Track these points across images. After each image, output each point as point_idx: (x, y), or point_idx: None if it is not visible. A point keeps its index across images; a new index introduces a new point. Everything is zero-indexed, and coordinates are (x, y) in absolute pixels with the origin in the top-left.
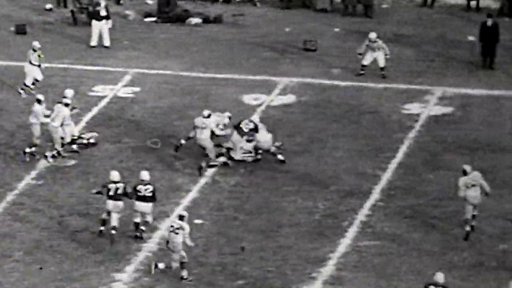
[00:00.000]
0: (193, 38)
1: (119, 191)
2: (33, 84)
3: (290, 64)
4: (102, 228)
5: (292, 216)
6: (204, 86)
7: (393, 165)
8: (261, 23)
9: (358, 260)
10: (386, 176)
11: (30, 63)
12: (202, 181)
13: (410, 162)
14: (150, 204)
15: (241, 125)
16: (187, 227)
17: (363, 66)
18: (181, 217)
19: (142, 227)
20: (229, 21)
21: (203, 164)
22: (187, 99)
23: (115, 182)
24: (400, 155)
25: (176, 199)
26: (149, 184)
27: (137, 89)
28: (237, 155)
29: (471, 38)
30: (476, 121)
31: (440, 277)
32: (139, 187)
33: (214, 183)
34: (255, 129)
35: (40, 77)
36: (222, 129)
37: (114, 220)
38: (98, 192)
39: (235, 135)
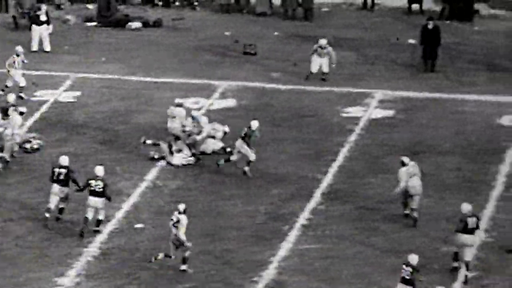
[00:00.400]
0: (133, 43)
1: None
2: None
3: (230, 68)
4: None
5: (234, 219)
6: (145, 90)
7: (334, 168)
8: (201, 27)
9: (299, 263)
10: (327, 180)
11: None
12: (143, 185)
13: (351, 166)
14: (101, 199)
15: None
16: (184, 221)
17: (311, 73)
18: (180, 211)
19: (97, 228)
20: (169, 25)
21: (221, 162)
22: (128, 103)
23: (96, 178)
24: (341, 159)
25: (117, 203)
26: (101, 180)
27: (78, 93)
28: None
29: (411, 41)
30: (417, 124)
31: (413, 258)
32: (91, 181)
33: (155, 187)
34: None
35: (23, 83)
36: (194, 126)
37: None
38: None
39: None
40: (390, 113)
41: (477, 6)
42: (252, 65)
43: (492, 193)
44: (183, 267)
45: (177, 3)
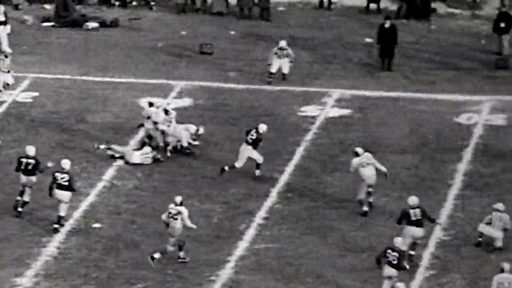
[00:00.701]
0: (91, 43)
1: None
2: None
3: (187, 68)
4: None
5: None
6: (102, 90)
7: (290, 167)
8: (158, 27)
9: (256, 262)
10: (283, 179)
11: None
12: (100, 184)
13: (308, 165)
14: (66, 193)
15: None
16: (185, 211)
17: (271, 73)
18: (178, 203)
19: (56, 225)
20: (126, 25)
21: (226, 167)
22: (85, 103)
23: (62, 171)
24: (297, 158)
25: (74, 203)
26: (66, 173)
27: (35, 93)
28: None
29: (368, 40)
30: (374, 123)
31: (398, 241)
32: (57, 174)
33: (112, 187)
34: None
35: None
36: (168, 126)
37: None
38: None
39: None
40: (346, 112)
41: (434, 4)
42: (208, 64)
43: (450, 192)
44: (181, 253)
45: (134, 3)
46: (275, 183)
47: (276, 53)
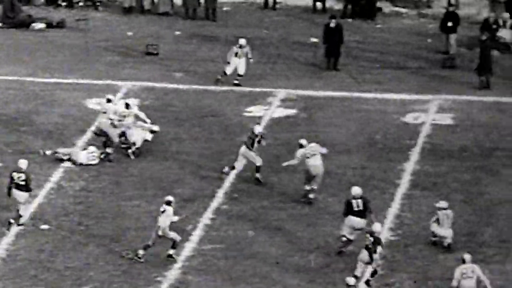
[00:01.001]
0: (37, 43)
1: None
2: None
3: (133, 68)
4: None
5: (137, 220)
6: (49, 91)
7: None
8: (104, 27)
9: (203, 263)
10: (229, 179)
11: None
12: (48, 186)
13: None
14: (23, 193)
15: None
16: (170, 210)
17: (224, 73)
18: (167, 202)
19: (11, 219)
20: (73, 26)
21: (226, 168)
22: (32, 105)
23: (19, 171)
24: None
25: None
26: (23, 172)
27: None
28: None
29: (314, 39)
30: (320, 123)
31: (377, 227)
32: (14, 174)
33: (59, 188)
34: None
35: None
36: (120, 120)
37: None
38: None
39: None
40: (292, 112)
41: (379, 4)
42: (154, 65)
43: (397, 192)
44: (171, 251)
45: (80, 4)
46: (221, 184)
47: (236, 52)
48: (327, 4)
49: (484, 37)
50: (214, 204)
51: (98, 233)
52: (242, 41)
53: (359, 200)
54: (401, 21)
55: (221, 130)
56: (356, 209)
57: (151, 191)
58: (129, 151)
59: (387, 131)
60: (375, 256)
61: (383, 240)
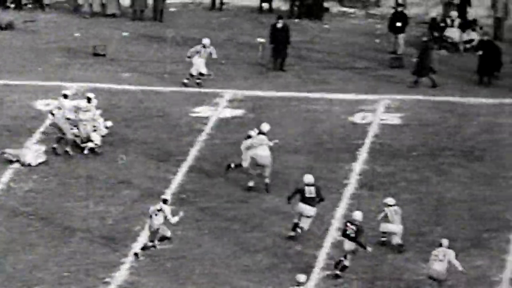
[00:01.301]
0: None
1: None
2: None
3: (81, 69)
4: None
5: (85, 221)
6: None
7: (184, 168)
8: (52, 29)
9: (151, 264)
10: (177, 180)
11: None
12: None
13: (201, 165)
14: None
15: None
16: (167, 209)
17: (191, 75)
18: (164, 201)
19: None
20: (21, 28)
21: (232, 165)
22: None
23: None
24: (191, 158)
25: None
26: None
27: None
28: None
29: (260, 40)
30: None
31: (357, 215)
32: None
33: (8, 189)
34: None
35: None
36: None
37: None
38: None
39: None
40: (239, 112)
41: (327, 4)
42: (102, 66)
43: (345, 192)
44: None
45: (29, 6)
46: (168, 184)
47: (198, 52)
48: (274, 5)
49: (425, 38)
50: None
51: (47, 234)
52: (206, 41)
53: (312, 188)
54: (349, 21)
55: (168, 131)
56: (308, 195)
57: (99, 192)
58: (87, 147)
59: (335, 131)
60: (358, 244)
61: (330, 241)
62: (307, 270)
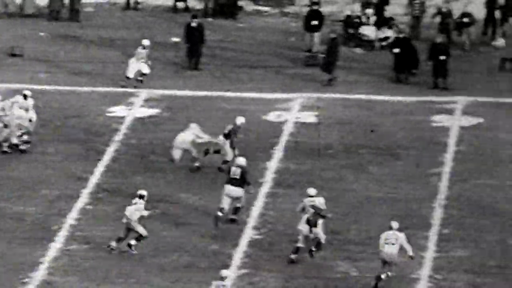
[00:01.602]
0: None
1: None
2: None
3: None
4: None
5: (4, 221)
6: None
7: (100, 168)
8: None
9: (69, 263)
10: (94, 179)
11: None
12: None
13: (118, 165)
14: None
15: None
16: (142, 204)
17: (127, 78)
18: (140, 196)
19: None
20: None
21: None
22: None
23: None
24: (107, 158)
25: None
26: None
27: None
28: None
29: (175, 39)
30: (183, 122)
31: (320, 200)
32: None
33: None
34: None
35: None
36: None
37: None
38: None
39: None
40: (155, 111)
41: (240, 2)
42: (19, 66)
43: (261, 190)
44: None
45: None
46: (86, 184)
47: (139, 53)
48: (190, 4)
49: (333, 35)
50: (79, 204)
51: None
52: (146, 42)
53: (238, 169)
54: (264, 20)
55: (84, 131)
56: (232, 176)
57: (16, 192)
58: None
59: (250, 130)
60: (316, 229)
61: (246, 239)
62: (224, 268)
